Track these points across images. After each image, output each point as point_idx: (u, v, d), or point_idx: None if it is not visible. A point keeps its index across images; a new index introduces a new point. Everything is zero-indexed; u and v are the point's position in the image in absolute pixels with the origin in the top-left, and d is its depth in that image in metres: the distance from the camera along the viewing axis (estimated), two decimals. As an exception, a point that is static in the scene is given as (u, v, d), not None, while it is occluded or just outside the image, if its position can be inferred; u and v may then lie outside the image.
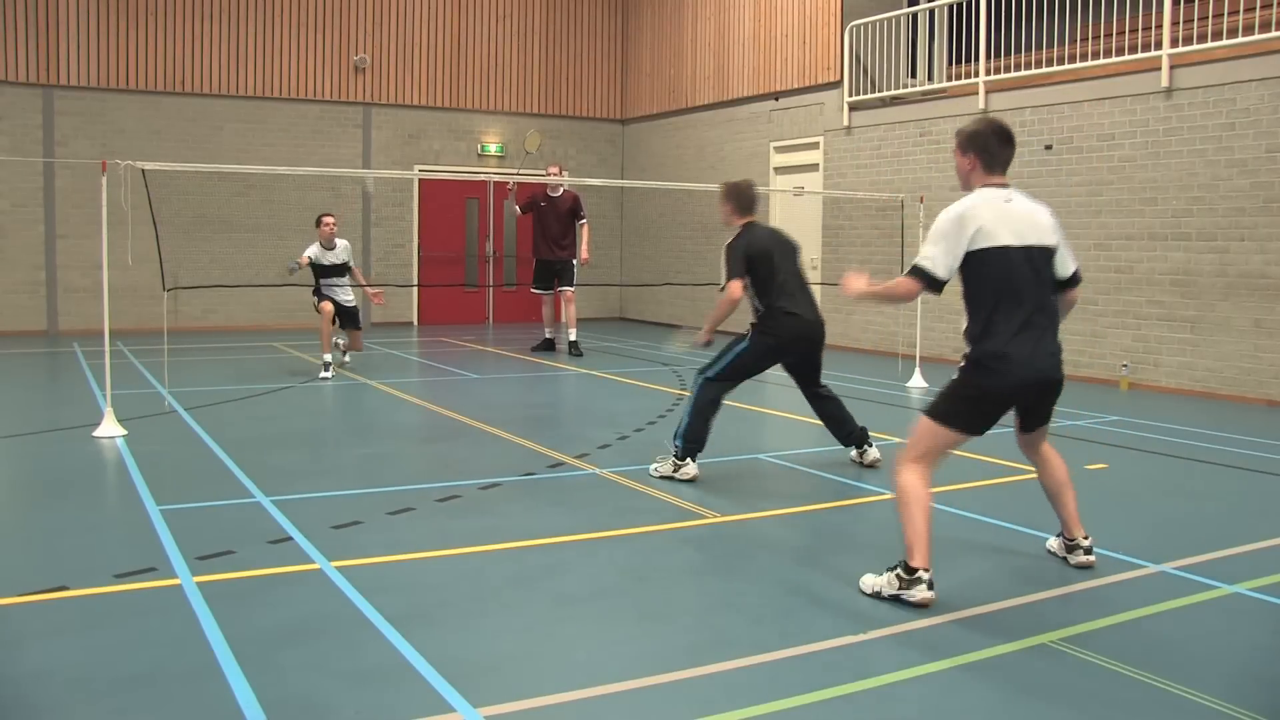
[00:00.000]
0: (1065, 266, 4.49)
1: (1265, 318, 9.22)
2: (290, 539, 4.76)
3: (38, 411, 8.59)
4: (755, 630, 3.76)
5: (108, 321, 7.65)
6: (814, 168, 14.21)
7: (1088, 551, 4.51)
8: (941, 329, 12.23)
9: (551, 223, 12.69)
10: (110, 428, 7.10)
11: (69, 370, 10.84)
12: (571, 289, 12.87)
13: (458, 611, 3.91)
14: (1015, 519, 5.30)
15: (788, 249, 6.37)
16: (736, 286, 6.08)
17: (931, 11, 13.32)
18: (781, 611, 4.00)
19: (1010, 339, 4.22)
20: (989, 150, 4.23)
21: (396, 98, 16.47)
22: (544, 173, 13.11)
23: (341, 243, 10.70)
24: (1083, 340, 10.78)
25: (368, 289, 10.88)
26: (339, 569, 4.32)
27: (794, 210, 14.70)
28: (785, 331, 6.13)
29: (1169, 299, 10.01)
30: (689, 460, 6.05)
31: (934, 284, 4.16)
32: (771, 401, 9.51)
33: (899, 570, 4.04)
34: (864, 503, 5.69)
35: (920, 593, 3.97)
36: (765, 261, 6.15)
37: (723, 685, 3.27)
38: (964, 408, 4.21)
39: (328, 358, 10.37)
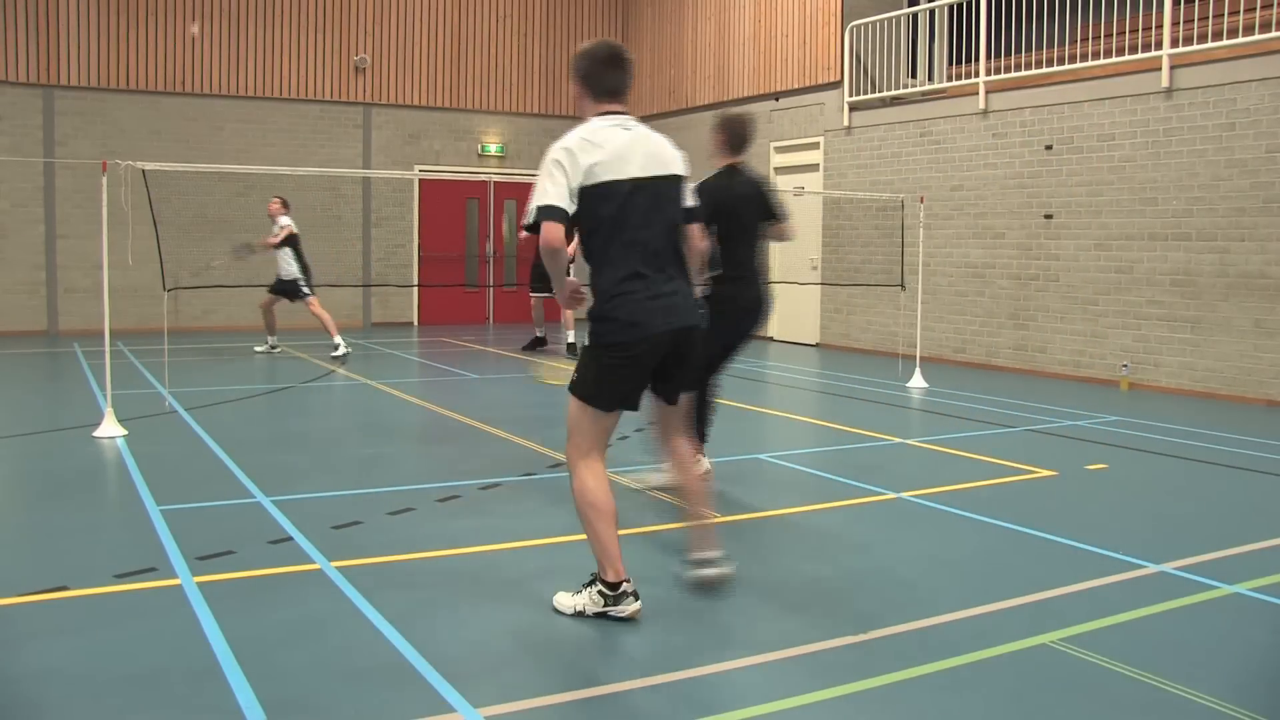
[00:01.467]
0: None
1: (1265, 318, 9.22)
2: (290, 539, 4.76)
3: (38, 411, 8.59)
4: (755, 630, 3.76)
5: (108, 321, 7.65)
6: (814, 168, 14.21)
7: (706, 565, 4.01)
8: (941, 329, 12.23)
9: None
10: (110, 428, 7.10)
11: (69, 370, 10.84)
12: None
13: (458, 611, 3.91)
14: (1015, 519, 5.30)
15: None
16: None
17: (931, 11, 13.32)
18: (782, 611, 4.00)
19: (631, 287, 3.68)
20: (593, 76, 3.80)
21: (396, 98, 16.47)
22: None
23: (282, 219, 11.98)
24: (1083, 340, 10.78)
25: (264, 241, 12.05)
26: (339, 569, 4.32)
27: (794, 210, 14.67)
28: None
29: (1169, 299, 10.01)
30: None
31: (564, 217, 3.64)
32: (771, 402, 9.51)
33: (598, 587, 3.79)
34: (864, 503, 5.69)
35: (628, 606, 3.75)
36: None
37: (723, 685, 3.27)
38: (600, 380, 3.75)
39: (337, 339, 11.91)
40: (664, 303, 3.69)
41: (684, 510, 4.12)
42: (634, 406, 3.84)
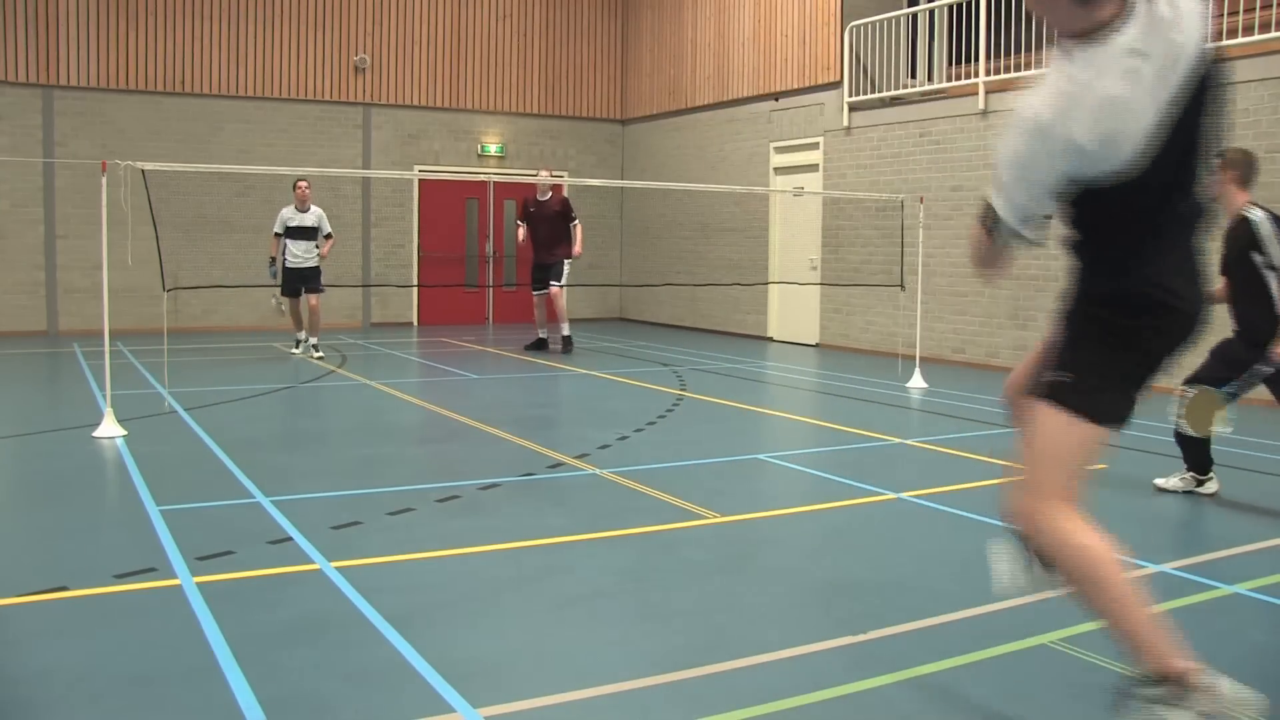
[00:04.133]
0: None
1: (1265, 318, 9.21)
2: (290, 539, 4.76)
3: (38, 412, 8.59)
4: (755, 630, 3.76)
5: (108, 322, 7.65)
6: (814, 168, 14.21)
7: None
8: (941, 329, 12.23)
9: (542, 226, 12.72)
10: (110, 428, 7.10)
11: (69, 370, 10.84)
12: (559, 285, 12.87)
13: (458, 611, 3.91)
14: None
15: None
16: None
17: (931, 12, 13.32)
18: (781, 611, 4.00)
19: None
20: None
21: (396, 98, 16.47)
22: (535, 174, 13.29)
23: (316, 210, 11.91)
24: (1083, 340, 10.78)
25: (324, 251, 12.04)
26: (339, 569, 4.32)
27: (794, 210, 14.70)
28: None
29: None
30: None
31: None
32: (771, 402, 9.52)
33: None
34: (864, 503, 5.69)
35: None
36: None
37: (723, 685, 3.27)
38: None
39: (300, 335, 12.10)
40: None
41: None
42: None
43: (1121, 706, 2.59)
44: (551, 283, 12.80)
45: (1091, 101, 2.36)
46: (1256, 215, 5.37)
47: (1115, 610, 2.64)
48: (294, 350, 12.11)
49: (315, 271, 11.88)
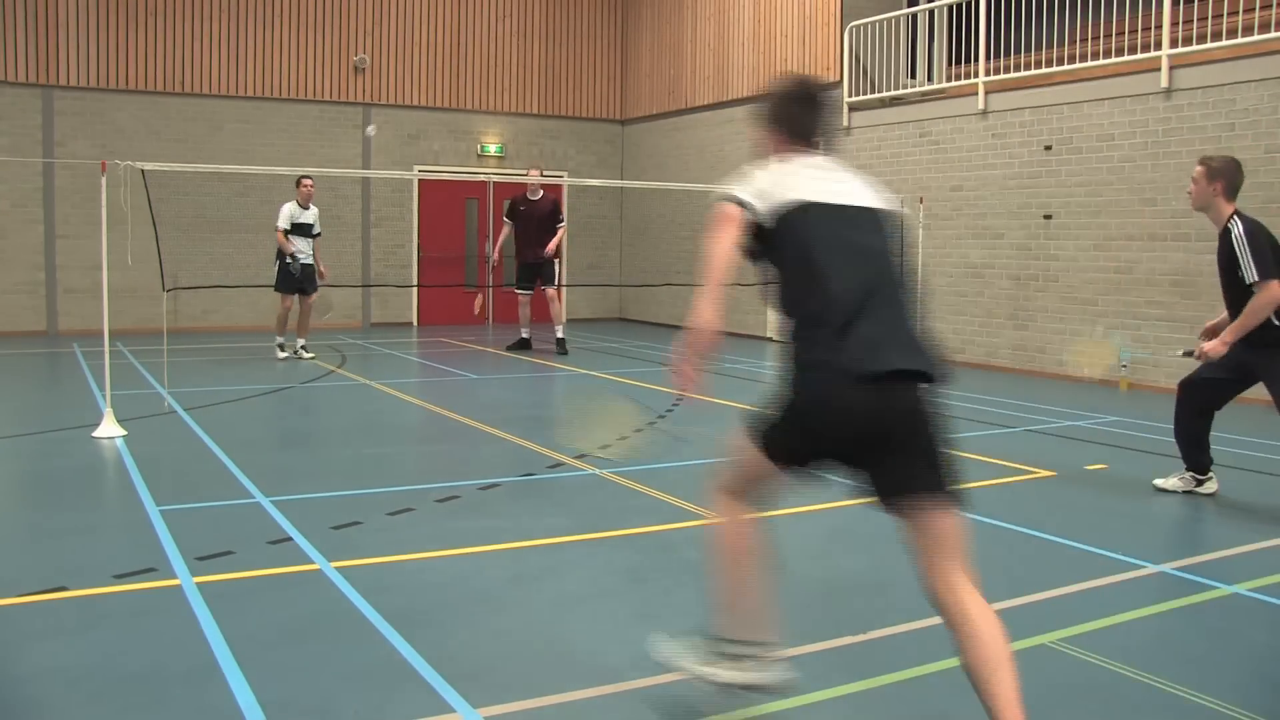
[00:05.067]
0: None
1: (1265, 318, 9.22)
2: (290, 539, 4.76)
3: (38, 412, 8.59)
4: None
5: (107, 322, 7.65)
6: (814, 168, 14.19)
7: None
8: (941, 329, 12.23)
9: (531, 225, 12.64)
10: (110, 428, 7.10)
11: (69, 370, 10.84)
12: (554, 287, 12.81)
13: (458, 611, 3.91)
14: (1015, 519, 5.30)
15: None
16: (1276, 287, 5.24)
17: (931, 12, 13.32)
18: (782, 611, 3.99)
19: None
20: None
21: (396, 98, 16.47)
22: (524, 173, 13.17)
23: (314, 208, 11.86)
24: (1083, 341, 10.77)
25: (322, 268, 12.02)
26: (339, 569, 4.32)
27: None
28: None
29: (1169, 299, 10.01)
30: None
31: None
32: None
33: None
34: (864, 503, 5.68)
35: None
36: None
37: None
38: None
39: (280, 340, 11.82)
40: None
41: None
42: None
43: (701, 652, 3.06)
44: (545, 286, 12.73)
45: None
46: (1236, 228, 5.40)
47: (726, 582, 3.08)
48: (280, 355, 11.72)
49: (312, 270, 11.86)
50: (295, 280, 11.67)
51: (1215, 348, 5.39)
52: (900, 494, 2.88)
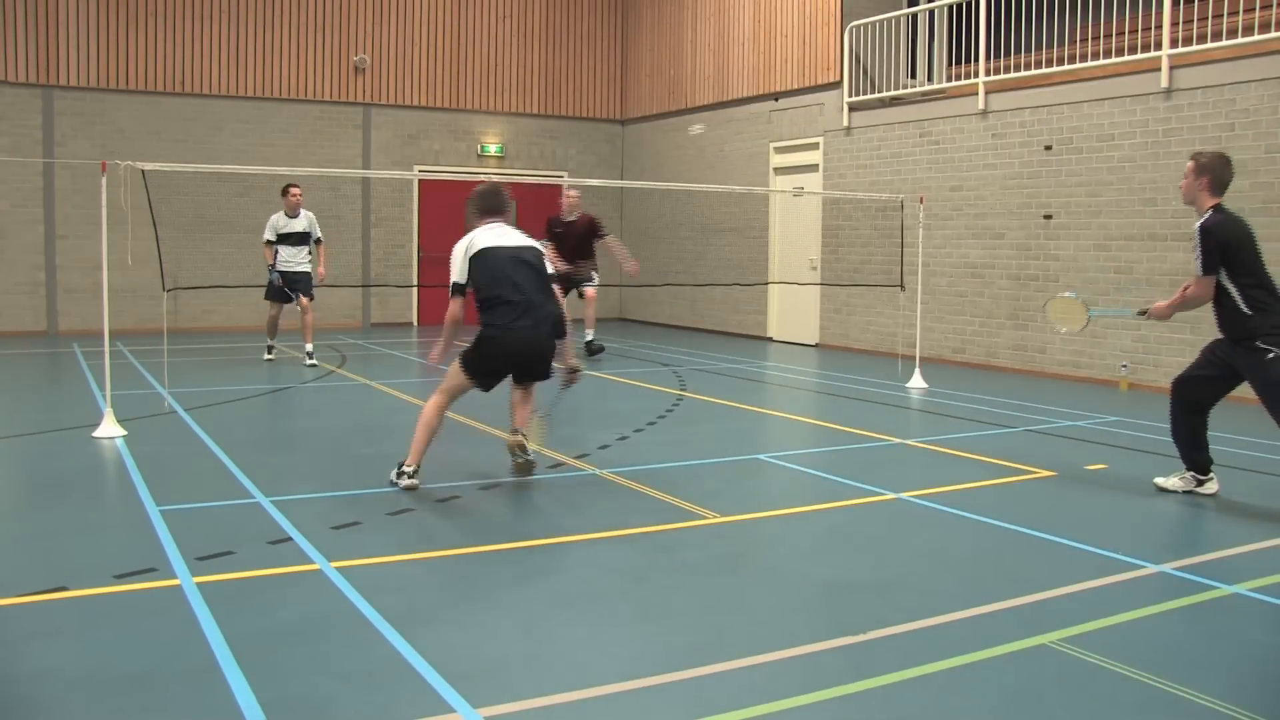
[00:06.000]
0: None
1: (1265, 318, 9.22)
2: (290, 539, 4.76)
3: (38, 412, 8.59)
4: (755, 630, 3.76)
5: (107, 322, 7.65)
6: (814, 168, 14.21)
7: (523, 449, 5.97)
8: (941, 329, 12.23)
9: (568, 244, 12.27)
10: (110, 428, 7.10)
11: (69, 370, 10.84)
12: (593, 286, 12.56)
13: (458, 611, 3.91)
14: (1015, 519, 5.30)
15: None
16: (1209, 285, 5.50)
17: (931, 12, 13.32)
18: (781, 611, 4.00)
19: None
20: None
21: (396, 98, 16.47)
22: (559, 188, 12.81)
23: (306, 214, 11.66)
24: (1083, 341, 10.78)
25: (320, 269, 11.82)
26: (339, 569, 4.32)
27: (794, 210, 14.70)
28: None
29: (1169, 299, 9.99)
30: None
31: None
32: (771, 402, 9.52)
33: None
34: (864, 503, 5.69)
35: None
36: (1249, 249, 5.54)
37: (723, 685, 3.27)
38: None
39: (270, 342, 11.81)
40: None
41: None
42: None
43: (394, 469, 5.88)
44: (585, 285, 12.41)
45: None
46: (1200, 222, 5.53)
47: (418, 433, 5.82)
48: (266, 356, 11.65)
49: (306, 276, 11.58)
50: (278, 289, 11.47)
51: (1160, 309, 5.89)
52: (521, 382, 6.07)
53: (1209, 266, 5.47)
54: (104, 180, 7.36)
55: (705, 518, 5.25)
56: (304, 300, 11.56)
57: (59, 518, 5.20)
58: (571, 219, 12.48)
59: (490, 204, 6.05)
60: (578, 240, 12.46)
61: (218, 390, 9.28)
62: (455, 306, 5.76)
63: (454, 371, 5.81)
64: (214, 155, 14.85)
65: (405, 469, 5.72)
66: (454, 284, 5.77)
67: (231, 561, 4.41)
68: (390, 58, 16.40)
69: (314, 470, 6.36)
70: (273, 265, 11.55)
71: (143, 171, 8.10)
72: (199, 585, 4.10)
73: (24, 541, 4.89)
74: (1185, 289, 5.71)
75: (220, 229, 15.17)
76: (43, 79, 14.35)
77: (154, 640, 3.57)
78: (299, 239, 11.55)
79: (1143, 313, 6.07)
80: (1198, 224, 5.57)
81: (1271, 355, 5.43)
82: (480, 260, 5.74)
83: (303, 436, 7.72)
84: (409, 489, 5.66)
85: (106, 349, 7.69)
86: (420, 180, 16.18)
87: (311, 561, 4.45)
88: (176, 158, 13.98)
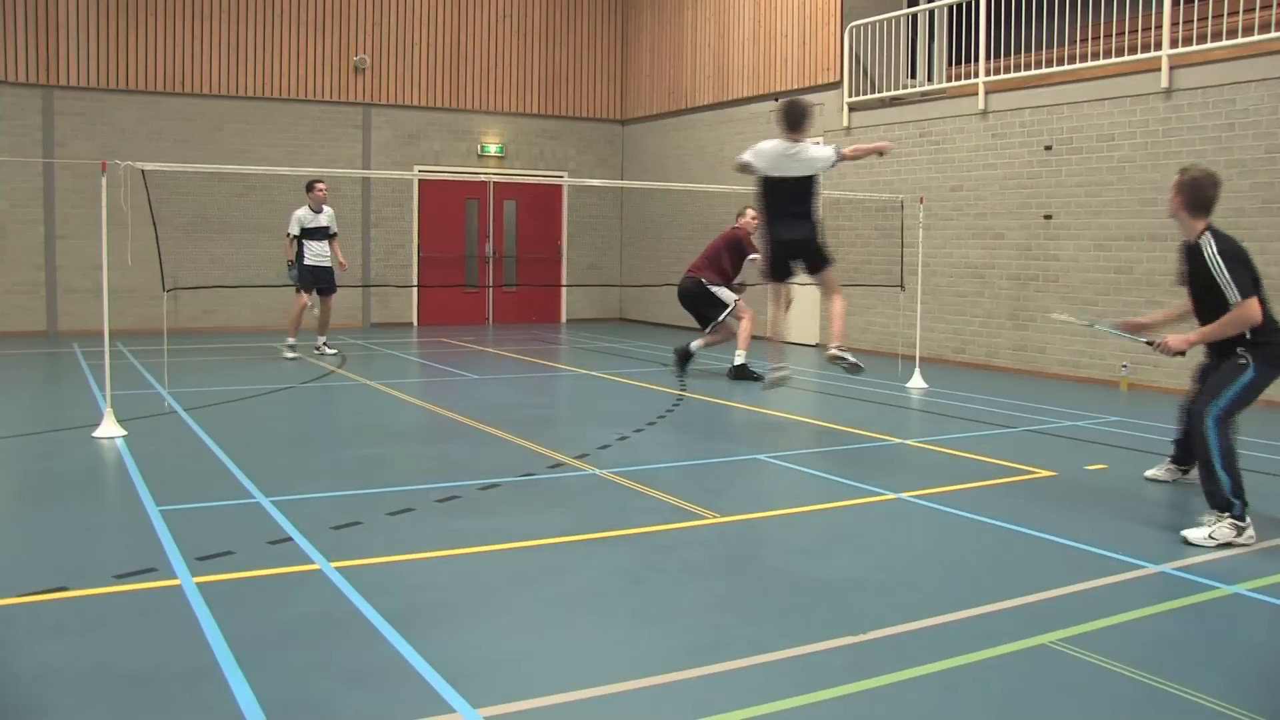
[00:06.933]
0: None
1: (1265, 318, 9.22)
2: (290, 539, 4.76)
3: (38, 412, 8.59)
4: (755, 630, 3.76)
5: (107, 322, 7.65)
6: (814, 168, 14.19)
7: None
8: (941, 329, 12.23)
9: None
10: (110, 428, 7.10)
11: (69, 371, 10.84)
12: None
13: (458, 611, 3.91)
14: (1015, 519, 5.30)
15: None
16: (1256, 305, 5.18)
17: (931, 12, 13.32)
18: (781, 611, 4.00)
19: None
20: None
21: (396, 98, 16.47)
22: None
23: (328, 210, 12.03)
24: (1083, 341, 10.78)
25: (341, 263, 12.14)
26: (339, 569, 4.32)
27: (794, 210, 14.68)
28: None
29: (1169, 299, 9.98)
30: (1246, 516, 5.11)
31: None
32: (771, 402, 9.51)
33: None
34: (864, 503, 5.69)
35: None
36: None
37: (723, 685, 3.27)
38: None
39: (291, 340, 11.85)
40: None
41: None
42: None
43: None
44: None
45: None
46: (1209, 248, 5.26)
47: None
48: (289, 355, 11.75)
49: (331, 271, 12.03)
50: (311, 281, 11.86)
51: (1178, 342, 5.48)
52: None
53: (1245, 288, 5.15)
54: (104, 180, 7.36)
55: (705, 518, 5.25)
56: (330, 297, 12.05)
57: (59, 518, 5.20)
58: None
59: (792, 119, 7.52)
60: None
61: (218, 390, 9.28)
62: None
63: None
64: (214, 155, 14.86)
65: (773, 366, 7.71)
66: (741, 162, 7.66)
67: (231, 561, 4.41)
68: (390, 58, 16.40)
69: (314, 470, 6.35)
70: (292, 262, 11.87)
71: (143, 171, 8.10)
72: (199, 585, 4.10)
73: (24, 541, 4.89)
74: (1190, 314, 5.52)
75: (220, 229, 15.17)
76: (43, 79, 14.35)
77: (154, 640, 3.57)
78: (324, 234, 11.91)
79: (1152, 343, 5.68)
80: (1210, 251, 5.22)
81: (1242, 361, 5.32)
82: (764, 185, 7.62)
83: (303, 436, 7.72)
84: (779, 380, 7.86)
85: (106, 349, 7.69)
86: (420, 180, 16.19)
87: (311, 561, 4.45)
88: (176, 158, 13.98)
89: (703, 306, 10.95)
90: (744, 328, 10.86)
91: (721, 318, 10.85)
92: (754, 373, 10.43)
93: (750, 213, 10.62)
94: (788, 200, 7.65)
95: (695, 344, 10.82)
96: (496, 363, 12.09)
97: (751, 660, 3.46)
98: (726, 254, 10.94)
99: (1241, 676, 3.47)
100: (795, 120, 7.56)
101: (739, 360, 10.61)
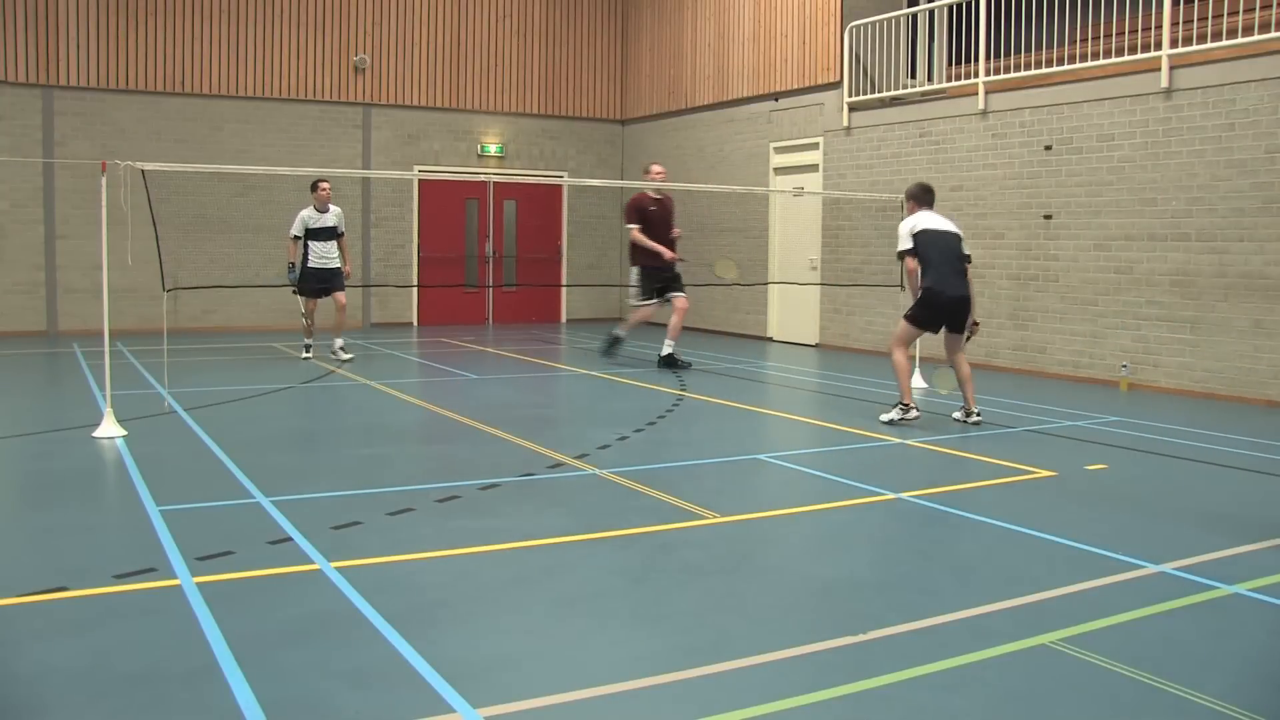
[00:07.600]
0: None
1: (1265, 318, 9.22)
2: (290, 539, 4.76)
3: (38, 412, 8.59)
4: (755, 630, 3.76)
5: (107, 322, 7.65)
6: (814, 168, 14.21)
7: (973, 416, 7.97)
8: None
9: (662, 229, 11.24)
10: (110, 428, 7.10)
11: (69, 371, 10.84)
12: (683, 295, 11.53)
13: (458, 611, 3.91)
14: (1015, 519, 5.30)
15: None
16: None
17: (931, 12, 13.32)
18: (781, 611, 4.00)
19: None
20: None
21: (396, 98, 16.48)
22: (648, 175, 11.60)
23: (334, 209, 11.73)
24: (1083, 341, 10.78)
25: (347, 267, 11.94)
26: (339, 569, 4.32)
27: (794, 210, 14.70)
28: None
29: (1169, 299, 10.01)
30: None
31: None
32: (771, 402, 9.52)
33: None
34: (864, 503, 5.69)
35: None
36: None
37: (723, 685, 3.27)
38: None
39: (308, 341, 11.83)
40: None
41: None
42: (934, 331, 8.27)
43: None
44: (678, 293, 11.42)
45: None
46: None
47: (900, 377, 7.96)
48: (304, 355, 11.74)
49: (338, 272, 11.69)
50: (312, 282, 11.60)
51: None
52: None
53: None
54: (104, 180, 7.36)
55: (705, 518, 5.25)
56: (340, 297, 11.72)
57: (59, 518, 5.20)
58: (660, 197, 11.39)
59: (924, 198, 8.49)
60: (666, 224, 11.29)
61: (218, 390, 9.28)
62: (911, 262, 8.02)
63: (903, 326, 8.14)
64: (214, 155, 14.86)
65: (904, 402, 7.86)
66: (900, 251, 8.15)
67: (231, 561, 4.41)
68: (390, 58, 16.40)
69: (314, 470, 6.36)
70: (294, 263, 11.61)
71: (143, 171, 8.10)
72: (199, 585, 4.10)
73: (24, 541, 4.89)
74: None
75: (220, 229, 15.17)
76: (43, 79, 14.35)
77: (154, 640, 3.57)
78: (329, 234, 11.64)
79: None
80: None
81: None
82: (923, 237, 7.99)
83: (302, 436, 7.72)
84: (912, 419, 7.87)
85: (107, 349, 7.69)
86: (420, 180, 16.19)
87: (311, 561, 4.45)
88: (176, 158, 13.98)
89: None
90: (644, 314, 11.74)
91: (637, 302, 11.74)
92: (682, 361, 11.42)
93: (655, 168, 11.66)
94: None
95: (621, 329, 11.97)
96: (496, 363, 12.09)
97: (751, 660, 3.46)
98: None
99: (1241, 676, 3.47)
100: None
101: (666, 350, 11.38)
